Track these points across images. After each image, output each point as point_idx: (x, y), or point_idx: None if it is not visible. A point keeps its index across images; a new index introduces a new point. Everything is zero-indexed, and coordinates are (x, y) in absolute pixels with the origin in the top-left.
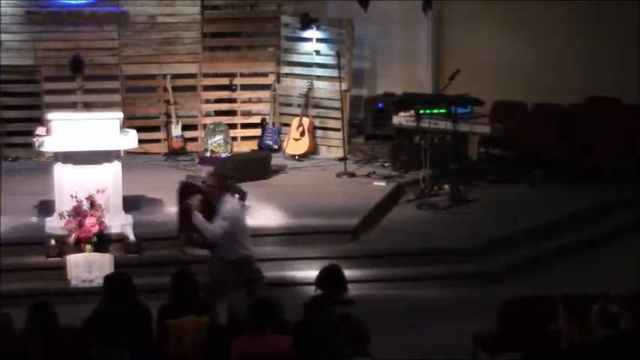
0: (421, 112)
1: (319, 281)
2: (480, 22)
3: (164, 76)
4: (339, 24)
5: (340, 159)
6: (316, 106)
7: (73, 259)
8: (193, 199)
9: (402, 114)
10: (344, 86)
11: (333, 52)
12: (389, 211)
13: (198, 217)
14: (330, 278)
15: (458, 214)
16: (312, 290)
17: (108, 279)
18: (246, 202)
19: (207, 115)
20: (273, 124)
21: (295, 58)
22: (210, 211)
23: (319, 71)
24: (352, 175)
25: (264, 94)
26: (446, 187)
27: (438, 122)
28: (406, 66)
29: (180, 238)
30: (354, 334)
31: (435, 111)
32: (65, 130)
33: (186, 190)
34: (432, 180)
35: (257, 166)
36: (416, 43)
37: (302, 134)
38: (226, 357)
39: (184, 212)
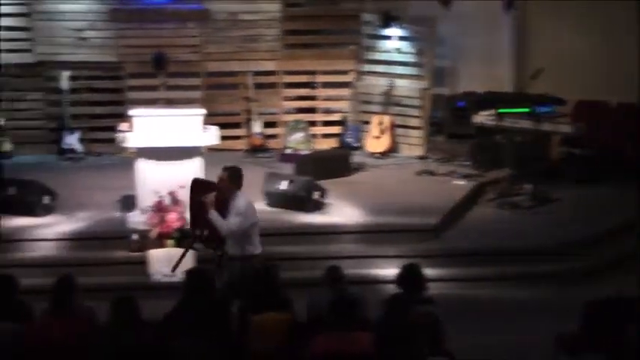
0: (502, 111)
1: (399, 280)
2: (562, 21)
3: (245, 73)
4: (420, 22)
5: (420, 157)
6: (397, 104)
7: (155, 254)
8: (208, 196)
9: (482, 113)
10: (424, 84)
11: (414, 50)
12: (469, 211)
13: (213, 214)
14: (410, 277)
15: (539, 214)
16: (391, 288)
17: (189, 274)
18: (326, 200)
19: (288, 112)
20: (354, 121)
21: (376, 56)
22: (222, 206)
23: (400, 69)
24: (432, 173)
25: (345, 92)
26: (527, 186)
27: (520, 121)
28: (487, 64)
29: (192, 235)
30: (433, 333)
31: (517, 110)
32: (148, 126)
33: (196, 187)
34: (512, 179)
35: (337, 164)
36: (497, 41)
37: (382, 132)
38: (307, 354)
39: (197, 208)
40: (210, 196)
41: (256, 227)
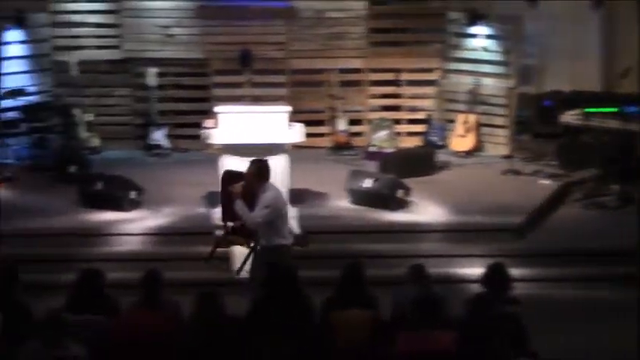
0: (589, 110)
1: (484, 279)
2: None
3: (330, 71)
4: (507, 20)
5: (505, 156)
6: (482, 103)
7: (239, 251)
8: (235, 186)
9: (569, 112)
10: (510, 83)
11: (500, 49)
12: (555, 211)
13: (239, 204)
14: (496, 277)
15: (626, 215)
16: (474, 288)
17: (271, 270)
18: (410, 198)
19: (373, 110)
20: (439, 120)
21: (462, 54)
22: (251, 198)
23: (485, 68)
24: (517, 173)
25: (430, 90)
26: (613, 187)
27: (607, 121)
28: (574, 63)
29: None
30: (517, 333)
31: (604, 109)
32: (233, 123)
33: (228, 179)
34: (599, 180)
35: (421, 162)
36: (585, 40)
37: (467, 131)
38: (390, 352)
39: (227, 200)
40: (237, 187)
41: (285, 218)
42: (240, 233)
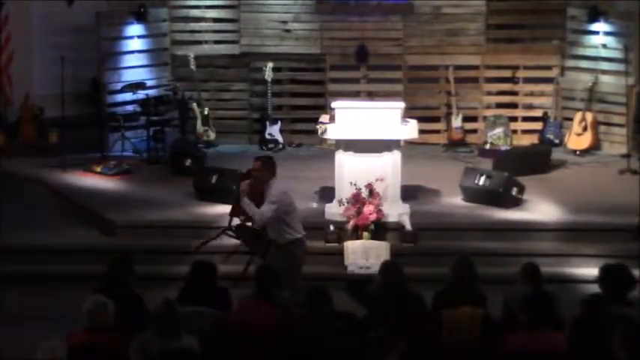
0: None
1: (601, 280)
2: None
3: (446, 67)
4: (628, 17)
5: (623, 155)
6: (600, 101)
7: (351, 246)
8: (242, 183)
9: None
10: (630, 81)
11: (620, 46)
12: None
13: (245, 201)
14: (613, 278)
15: None
16: (588, 288)
17: (383, 266)
18: (524, 196)
19: (488, 107)
20: (555, 117)
21: (581, 51)
22: (259, 195)
23: (605, 65)
24: (635, 172)
25: (547, 88)
26: None
27: None
28: None
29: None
30: (631, 336)
31: None
32: (348, 118)
33: (246, 177)
34: None
35: (537, 160)
36: None
37: (584, 129)
38: (500, 351)
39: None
40: (244, 184)
41: (294, 214)
42: (242, 230)
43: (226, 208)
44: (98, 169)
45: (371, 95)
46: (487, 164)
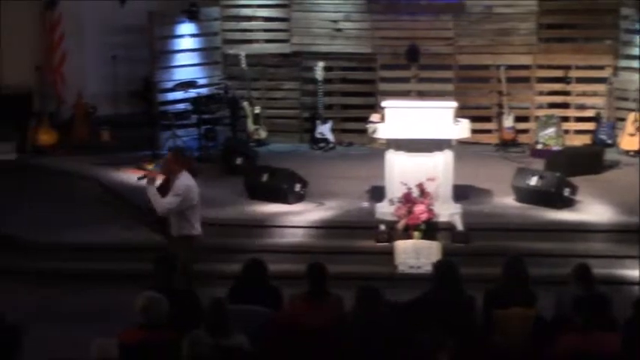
0: None
1: None
2: None
3: (497, 67)
4: None
5: None
6: None
7: (401, 245)
8: (151, 171)
9: None
10: None
11: None
12: None
13: (151, 191)
14: None
15: None
16: None
17: (437, 265)
18: (577, 197)
19: (540, 107)
20: (608, 118)
21: (634, 51)
22: (167, 185)
23: None
24: None
25: (600, 88)
26: None
27: None
28: None
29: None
30: None
31: None
32: (399, 117)
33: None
34: None
35: (589, 161)
36: None
37: (638, 129)
38: (551, 352)
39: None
40: (153, 172)
41: (196, 209)
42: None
43: (277, 207)
44: (150, 167)
45: (421, 95)
46: (539, 164)
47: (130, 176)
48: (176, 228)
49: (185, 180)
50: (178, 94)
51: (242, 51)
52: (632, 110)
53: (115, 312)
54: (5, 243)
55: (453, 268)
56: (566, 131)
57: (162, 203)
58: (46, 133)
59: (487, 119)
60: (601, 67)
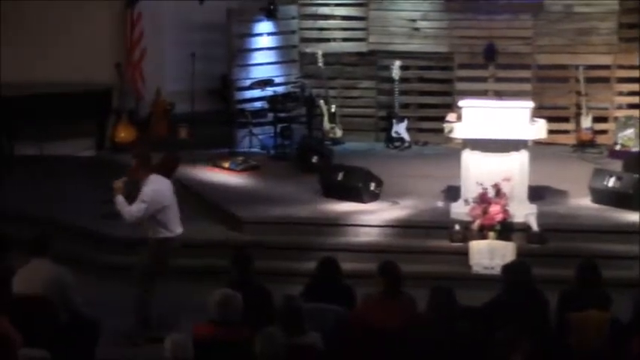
0: None
1: None
2: None
3: (576, 67)
4: None
5: None
6: None
7: (476, 246)
8: (117, 181)
9: None
10: None
11: None
12: None
13: (118, 199)
14: None
15: None
16: None
17: (509, 267)
18: None
19: (619, 107)
20: None
21: None
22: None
23: None
24: None
25: None
26: None
27: None
28: None
29: None
30: None
31: None
32: (475, 117)
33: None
34: None
35: None
36: None
37: None
38: (629, 355)
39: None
40: (119, 182)
41: (168, 211)
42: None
43: (352, 206)
44: (226, 165)
45: (499, 94)
46: (617, 166)
47: (207, 173)
48: (151, 231)
49: (152, 185)
50: (255, 92)
51: (319, 49)
52: None
53: (191, 308)
54: (81, 235)
55: (524, 270)
56: None
57: (130, 211)
58: (125, 129)
59: (565, 120)
60: None
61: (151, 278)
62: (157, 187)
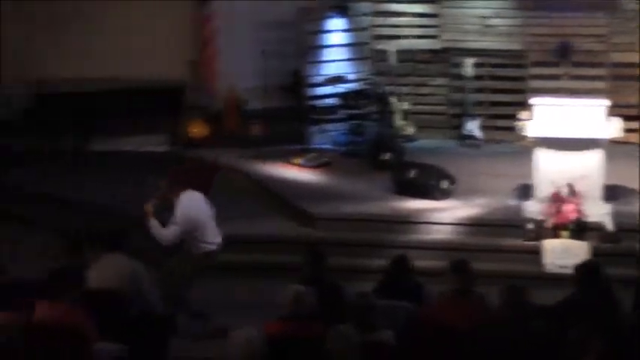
0: None
1: None
2: None
3: None
4: None
5: None
6: None
7: (550, 245)
8: (147, 205)
9: None
10: None
11: None
12: None
13: (152, 223)
14: None
15: None
16: None
17: (582, 266)
18: None
19: None
20: None
21: None
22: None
23: None
24: None
25: None
26: None
27: None
28: None
29: None
30: None
31: None
32: (548, 115)
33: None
34: None
35: None
36: None
37: None
38: None
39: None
40: (150, 205)
41: (205, 225)
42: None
43: (424, 203)
44: (298, 161)
45: (573, 93)
46: None
47: (279, 170)
48: (194, 247)
49: (183, 204)
50: (327, 89)
51: (391, 47)
52: None
53: (263, 303)
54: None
55: (597, 269)
56: None
57: (164, 235)
58: (198, 125)
59: (637, 118)
60: None
61: (190, 282)
62: (188, 205)
